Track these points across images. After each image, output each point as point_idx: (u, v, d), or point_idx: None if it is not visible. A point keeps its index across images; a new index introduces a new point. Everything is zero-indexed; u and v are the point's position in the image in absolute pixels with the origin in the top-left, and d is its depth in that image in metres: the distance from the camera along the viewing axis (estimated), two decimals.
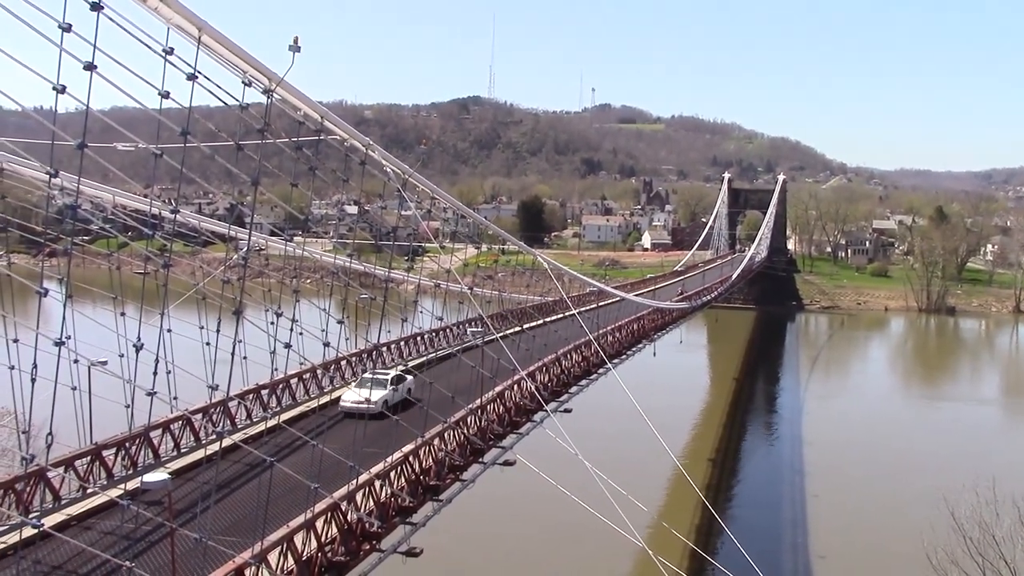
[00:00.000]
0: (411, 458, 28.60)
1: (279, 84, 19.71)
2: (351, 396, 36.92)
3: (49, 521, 22.81)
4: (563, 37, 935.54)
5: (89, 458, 28.27)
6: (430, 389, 30.28)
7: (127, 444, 29.42)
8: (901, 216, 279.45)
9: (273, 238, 37.30)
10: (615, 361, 53.76)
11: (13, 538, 22.30)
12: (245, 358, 27.58)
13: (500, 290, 62.68)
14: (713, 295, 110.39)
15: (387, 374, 39.54)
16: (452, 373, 35.61)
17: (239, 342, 19.95)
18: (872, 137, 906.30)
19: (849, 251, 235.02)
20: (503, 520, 59.41)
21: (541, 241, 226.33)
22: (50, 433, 18.19)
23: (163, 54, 16.73)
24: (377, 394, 36.28)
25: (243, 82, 18.92)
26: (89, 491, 26.66)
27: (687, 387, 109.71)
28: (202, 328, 29.58)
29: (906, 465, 79.11)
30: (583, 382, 49.08)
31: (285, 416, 35.12)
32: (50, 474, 26.36)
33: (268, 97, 19.57)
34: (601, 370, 50.82)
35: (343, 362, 43.84)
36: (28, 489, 25.79)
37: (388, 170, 25.96)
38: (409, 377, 40.37)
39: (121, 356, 23.63)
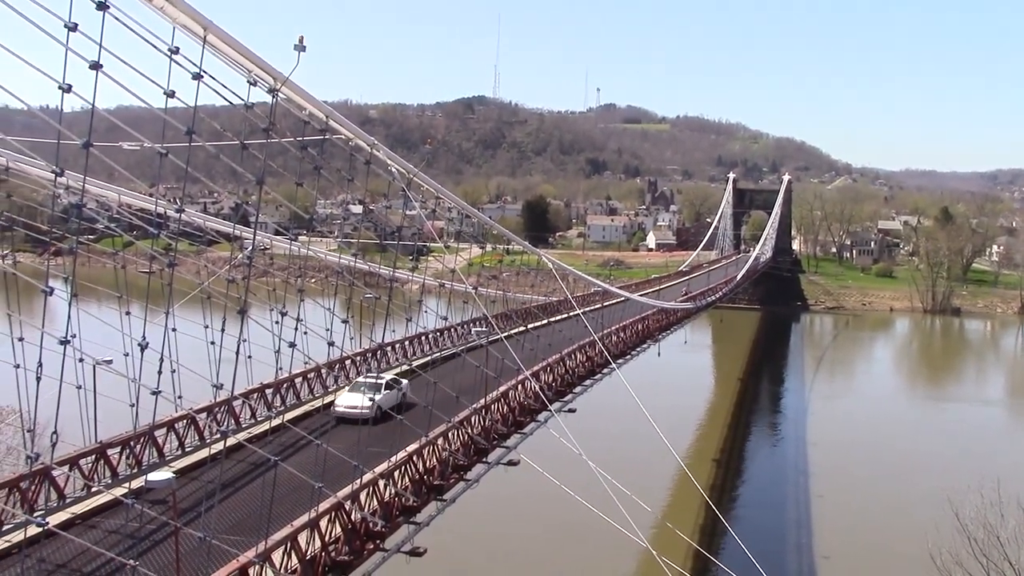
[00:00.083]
0: (415, 458, 28.60)
1: (284, 83, 19.72)
2: (344, 401, 36.33)
3: (54, 520, 22.80)
4: (568, 37, 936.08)
5: (94, 457, 28.29)
6: (434, 389, 30.20)
7: (132, 443, 29.46)
8: (906, 217, 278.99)
9: (278, 237, 37.19)
10: (620, 361, 53.73)
11: (18, 536, 22.33)
12: (250, 357, 27.51)
13: (504, 290, 62.63)
14: (718, 295, 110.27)
15: (381, 378, 38.41)
16: (456, 373, 35.58)
17: (244, 341, 19.93)
18: (877, 137, 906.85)
19: (854, 251, 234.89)
20: (507, 520, 59.41)
21: (546, 241, 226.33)
22: (55, 432, 18.19)
23: (168, 53, 16.74)
24: (370, 399, 35.18)
25: (248, 81, 18.93)
26: (94, 490, 26.68)
27: (692, 387, 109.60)
28: (207, 327, 29.69)
29: (911, 466, 79.04)
30: (587, 382, 49.03)
31: (289, 415, 35.15)
32: (55, 473, 26.38)
33: (273, 96, 19.57)
34: (606, 370, 50.76)
35: (347, 362, 43.83)
36: (33, 488, 25.83)
37: (393, 170, 25.96)
38: (404, 381, 39.43)
39: (126, 355, 23.68)
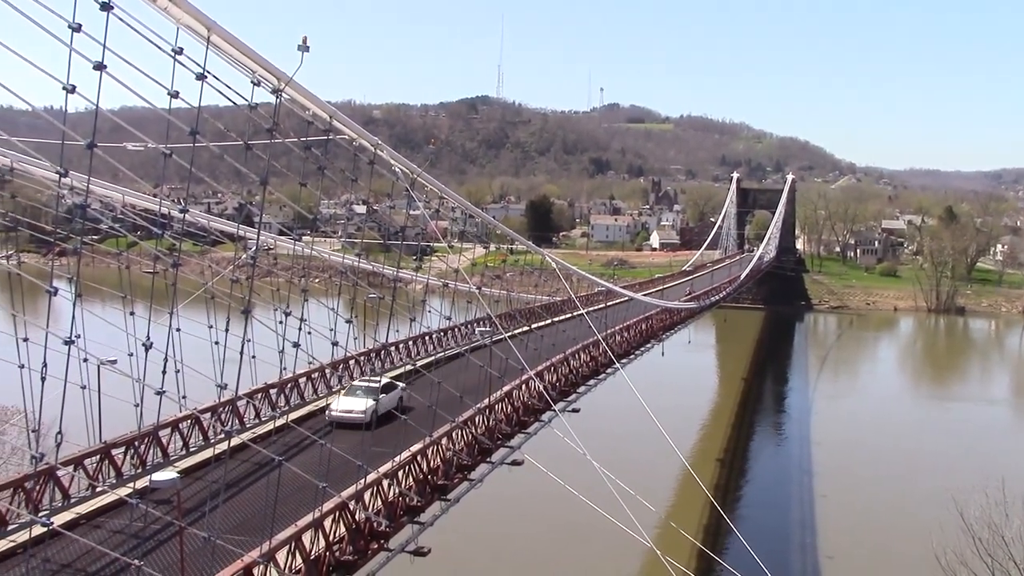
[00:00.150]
0: (419, 457, 28.60)
1: (288, 84, 19.73)
2: (340, 405, 35.54)
3: (58, 519, 22.82)
4: (572, 36, 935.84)
5: (98, 457, 28.34)
6: (438, 389, 30.17)
7: (136, 443, 29.47)
8: (910, 216, 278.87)
9: (282, 237, 37.20)
10: (623, 361, 53.70)
11: (23, 536, 22.38)
12: (254, 357, 27.61)
13: (508, 290, 62.69)
14: (722, 295, 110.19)
15: (377, 382, 37.28)
16: (460, 373, 35.58)
17: (248, 341, 19.95)
18: (881, 137, 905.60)
19: (858, 251, 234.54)
20: (511, 520, 59.42)
21: (549, 241, 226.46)
22: (59, 432, 18.23)
23: (172, 54, 16.76)
24: (366, 403, 34.60)
25: (252, 82, 18.94)
26: (98, 490, 26.71)
27: (696, 387, 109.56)
28: (211, 327, 29.69)
29: (915, 466, 78.95)
30: (591, 382, 49.02)
31: (293, 415, 35.17)
32: (59, 473, 26.40)
33: (277, 97, 19.58)
34: (609, 370, 50.75)
35: (351, 361, 43.85)
36: (38, 488, 25.86)
37: (396, 170, 25.97)
38: (401, 384, 38.69)
39: (130, 355, 23.69)
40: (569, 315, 60.35)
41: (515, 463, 35.70)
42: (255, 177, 20.15)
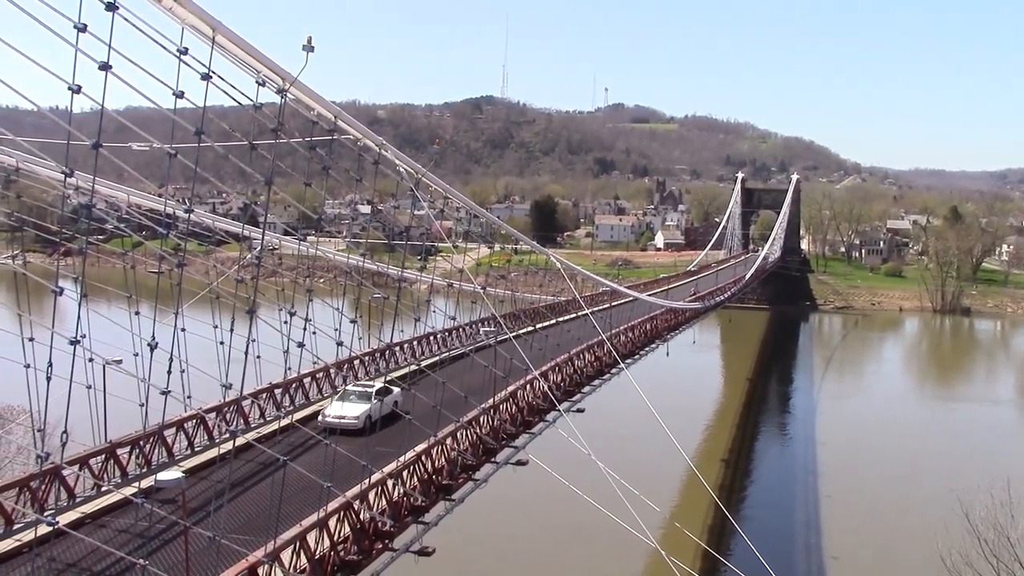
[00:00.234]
0: (424, 457, 28.61)
1: (293, 84, 19.75)
2: (333, 411, 34.91)
3: (64, 519, 22.86)
4: (576, 37, 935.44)
5: (104, 456, 28.41)
6: (443, 389, 30.17)
7: (141, 442, 29.55)
8: (915, 216, 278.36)
9: (287, 237, 37.30)
10: (628, 361, 53.68)
11: (29, 535, 22.42)
12: (259, 357, 27.66)
13: (513, 290, 62.66)
14: (726, 295, 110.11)
15: (371, 387, 37.17)
16: (465, 372, 35.59)
17: (253, 341, 19.99)
18: (886, 137, 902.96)
19: (863, 251, 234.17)
20: (515, 520, 59.40)
21: (554, 241, 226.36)
22: (65, 431, 18.29)
23: (177, 54, 16.79)
24: (359, 408, 34.64)
25: (257, 82, 18.97)
26: (104, 489, 26.77)
27: (700, 387, 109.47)
28: (216, 327, 29.71)
29: (920, 466, 78.80)
30: (596, 382, 49.03)
31: (298, 415, 35.17)
32: (65, 472, 26.48)
33: (282, 97, 19.61)
34: (614, 370, 50.77)
35: (356, 361, 43.87)
36: (43, 487, 25.94)
37: (401, 170, 25.98)
38: (396, 389, 37.69)
39: (136, 355, 23.72)
40: (574, 315, 60.36)
41: (520, 463, 35.72)
42: (260, 177, 20.18)
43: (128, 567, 21.29)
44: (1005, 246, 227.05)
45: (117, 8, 15.20)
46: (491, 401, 34.65)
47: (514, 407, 37.28)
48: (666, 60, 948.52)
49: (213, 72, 17.34)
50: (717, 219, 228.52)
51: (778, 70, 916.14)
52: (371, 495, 24.85)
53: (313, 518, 22.00)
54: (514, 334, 41.28)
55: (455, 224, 57.47)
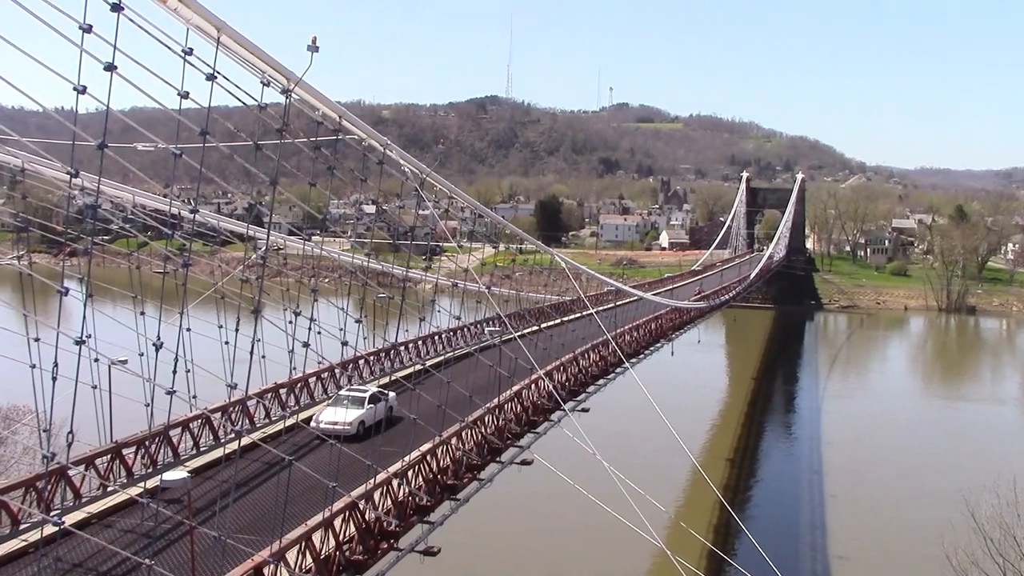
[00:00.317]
0: (429, 457, 28.61)
1: (297, 84, 19.76)
2: (326, 416, 34.20)
3: (70, 519, 22.89)
4: (581, 36, 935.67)
5: (109, 456, 28.43)
6: (448, 388, 30.16)
7: (147, 443, 29.55)
8: (921, 215, 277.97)
9: (291, 237, 37.27)
10: (633, 360, 53.65)
11: (34, 536, 22.47)
12: (264, 357, 27.64)
13: (518, 289, 62.68)
14: (731, 294, 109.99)
15: (365, 391, 36.30)
16: (470, 372, 35.55)
17: (258, 341, 19.98)
18: (891, 136, 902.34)
19: (868, 250, 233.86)
20: (521, 519, 59.40)
21: (559, 240, 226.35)
22: (71, 431, 18.26)
23: (182, 54, 16.79)
24: (353, 414, 33.98)
25: (262, 82, 18.98)
26: (109, 489, 26.80)
27: (705, 386, 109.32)
28: (221, 327, 29.78)
29: (925, 465, 78.69)
30: (601, 381, 48.98)
31: (303, 415, 35.19)
32: (71, 472, 26.47)
33: (287, 97, 19.62)
34: (619, 369, 50.71)
35: (361, 361, 43.88)
36: (49, 487, 25.95)
37: (406, 170, 25.99)
38: (391, 394, 36.70)
39: (141, 355, 23.76)
40: (578, 314, 60.35)
41: (525, 463, 35.67)
42: (265, 177, 20.20)
43: (134, 567, 21.31)
44: (1011, 245, 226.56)
45: (122, 9, 15.20)
46: (496, 401, 34.63)
47: (519, 407, 37.27)
48: (671, 59, 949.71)
49: (218, 72, 17.33)
50: (722, 219, 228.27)
51: (783, 69, 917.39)
52: (376, 495, 24.86)
53: (319, 518, 21.99)
54: (519, 334, 41.25)
55: (460, 224, 57.51)
